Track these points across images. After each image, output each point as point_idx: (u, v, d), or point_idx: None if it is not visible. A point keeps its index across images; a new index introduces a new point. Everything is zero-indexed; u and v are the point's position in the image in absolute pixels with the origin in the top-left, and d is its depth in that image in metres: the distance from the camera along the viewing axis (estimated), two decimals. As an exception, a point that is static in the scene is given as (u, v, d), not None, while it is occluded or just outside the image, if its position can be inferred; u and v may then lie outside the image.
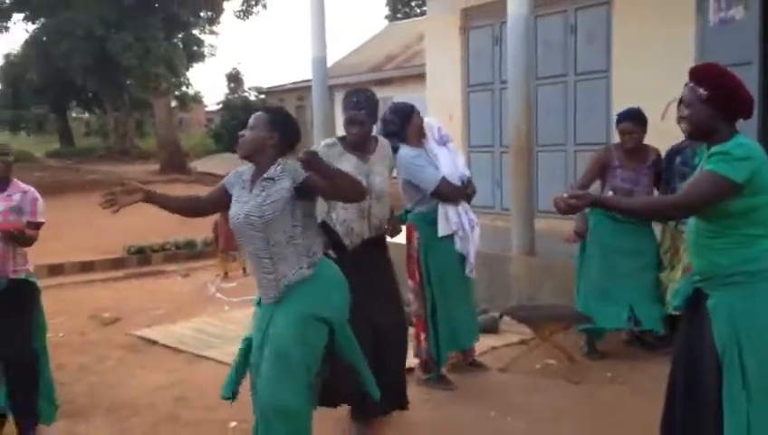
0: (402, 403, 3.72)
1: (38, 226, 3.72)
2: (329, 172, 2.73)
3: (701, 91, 2.35)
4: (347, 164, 3.52)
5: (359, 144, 3.69)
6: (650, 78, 6.34)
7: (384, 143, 3.83)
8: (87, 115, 40.33)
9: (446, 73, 8.79)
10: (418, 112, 4.25)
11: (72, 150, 30.47)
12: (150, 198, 2.98)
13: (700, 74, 2.40)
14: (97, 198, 2.88)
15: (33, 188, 3.81)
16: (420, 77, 11.28)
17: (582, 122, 7.31)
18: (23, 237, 3.58)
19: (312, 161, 2.67)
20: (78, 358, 5.23)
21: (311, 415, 2.84)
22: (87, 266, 8.82)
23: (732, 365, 2.24)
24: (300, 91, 31.53)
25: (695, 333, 2.41)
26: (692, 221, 2.45)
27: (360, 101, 3.65)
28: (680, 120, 2.46)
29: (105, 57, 21.41)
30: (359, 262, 3.46)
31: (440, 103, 8.66)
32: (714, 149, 2.33)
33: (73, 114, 39.24)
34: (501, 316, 4.54)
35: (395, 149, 4.01)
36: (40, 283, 3.89)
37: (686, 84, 2.45)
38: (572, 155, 7.35)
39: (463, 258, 4.26)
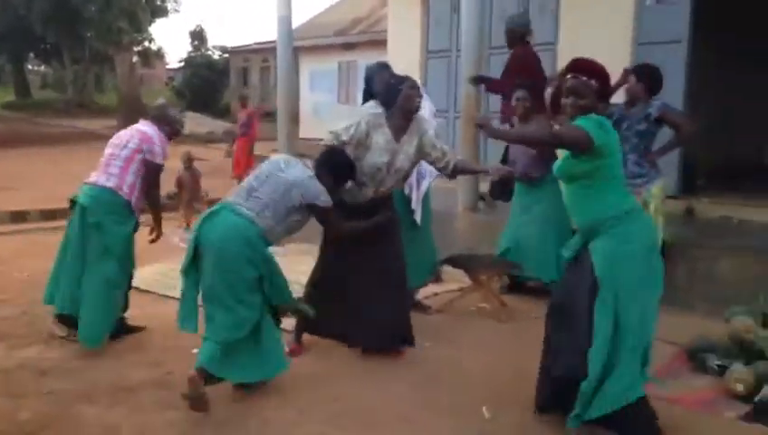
0: (404, 339, 4.12)
1: None
2: None
3: (593, 82, 2.99)
4: (381, 137, 3.92)
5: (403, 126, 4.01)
6: (593, 51, 6.76)
7: (420, 119, 4.10)
8: (44, 68, 39.42)
9: (407, 39, 9.14)
10: (382, 77, 4.53)
11: (29, 103, 29.94)
12: None
13: (591, 70, 3.02)
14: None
15: None
16: (385, 42, 11.55)
17: (531, 91, 7.76)
18: None
19: None
20: (48, 295, 5.53)
21: None
22: (50, 214, 8.99)
23: (607, 284, 2.93)
24: (265, 52, 31.34)
25: (574, 271, 3.12)
26: (566, 190, 3.15)
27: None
28: (570, 107, 3.04)
29: (66, 7, 21.08)
30: (361, 214, 3.94)
31: (401, 68, 8.99)
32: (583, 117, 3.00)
33: (29, 66, 38.32)
34: (441, 263, 5.01)
35: None
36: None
37: (573, 77, 3.03)
38: (520, 122, 7.82)
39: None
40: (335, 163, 3.76)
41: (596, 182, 2.98)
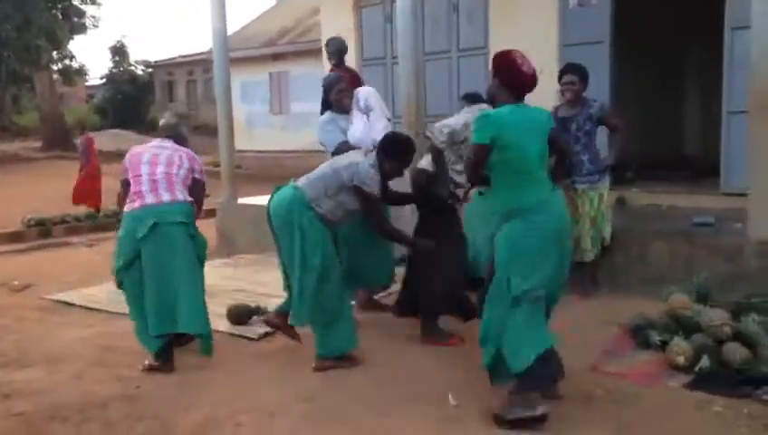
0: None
1: None
2: None
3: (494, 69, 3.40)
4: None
5: None
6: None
7: None
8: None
9: (342, 49, 9.28)
10: (340, 85, 4.82)
11: (-58, 127, 28.48)
12: None
13: (494, 57, 3.45)
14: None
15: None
16: (315, 52, 11.66)
17: (465, 95, 8.07)
18: None
19: None
20: (-5, 320, 5.40)
21: None
22: (-13, 242, 8.75)
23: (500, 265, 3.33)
24: (190, 65, 30.97)
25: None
26: (492, 180, 3.42)
27: None
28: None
29: (-20, 27, 20.24)
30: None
31: (336, 77, 9.18)
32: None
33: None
34: (399, 261, 5.17)
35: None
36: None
37: None
38: (457, 124, 8.11)
39: None
40: (393, 145, 4.04)
41: (509, 174, 3.29)
